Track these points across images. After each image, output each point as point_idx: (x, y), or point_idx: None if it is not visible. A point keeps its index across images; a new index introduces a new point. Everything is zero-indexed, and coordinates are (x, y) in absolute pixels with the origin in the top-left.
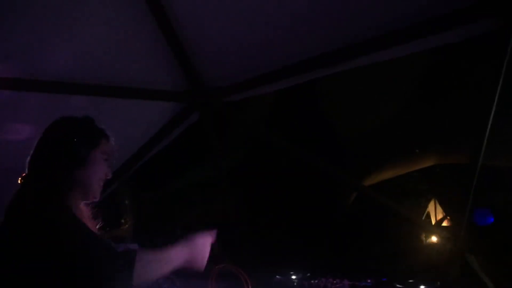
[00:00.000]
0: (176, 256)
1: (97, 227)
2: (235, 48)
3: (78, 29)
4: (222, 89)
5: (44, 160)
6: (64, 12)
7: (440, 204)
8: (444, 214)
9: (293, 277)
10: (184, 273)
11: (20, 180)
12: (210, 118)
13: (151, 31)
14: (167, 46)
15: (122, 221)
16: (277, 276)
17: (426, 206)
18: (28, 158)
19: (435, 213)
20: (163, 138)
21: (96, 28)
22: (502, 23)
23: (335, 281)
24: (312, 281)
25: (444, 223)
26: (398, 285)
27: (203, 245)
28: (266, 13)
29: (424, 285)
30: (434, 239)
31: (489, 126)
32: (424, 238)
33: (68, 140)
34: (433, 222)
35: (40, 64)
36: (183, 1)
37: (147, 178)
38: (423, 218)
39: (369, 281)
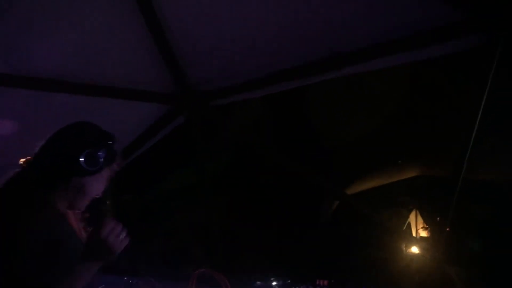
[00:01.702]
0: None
1: (82, 227)
2: (224, 52)
3: (67, 28)
4: (209, 92)
5: (60, 153)
6: (53, 12)
7: (421, 215)
8: (425, 225)
9: (274, 283)
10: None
11: (24, 163)
12: (196, 121)
13: (141, 33)
14: (155, 48)
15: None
16: (257, 282)
17: (407, 217)
18: (43, 143)
19: (416, 223)
20: (147, 139)
21: (85, 28)
22: (488, 39)
23: None
24: None
25: (425, 234)
26: None
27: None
28: (255, 20)
29: None
30: (414, 249)
31: (472, 139)
32: (404, 248)
33: (93, 146)
34: (414, 232)
35: (27, 61)
36: (173, 4)
37: (129, 179)
38: (404, 228)
39: None
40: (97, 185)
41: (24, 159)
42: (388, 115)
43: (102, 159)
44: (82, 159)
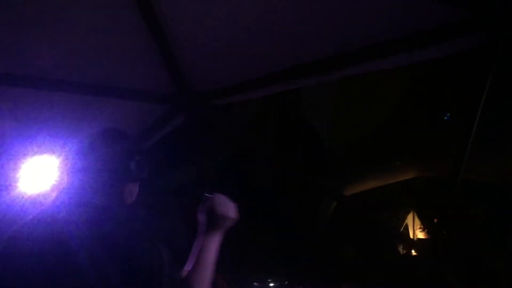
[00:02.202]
0: (207, 244)
1: None
2: (223, 52)
3: (65, 27)
4: (208, 92)
5: (110, 164)
6: (51, 10)
7: (419, 217)
8: (422, 226)
9: (271, 284)
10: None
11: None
12: (195, 121)
13: (140, 31)
14: (154, 47)
15: None
16: (255, 283)
17: (405, 218)
18: (77, 154)
19: (413, 225)
20: (146, 139)
21: (83, 27)
22: (488, 38)
23: None
24: None
25: (422, 235)
26: None
27: (218, 204)
28: (256, 18)
29: None
30: (412, 250)
31: (470, 140)
32: (401, 250)
33: (140, 154)
34: (411, 234)
35: (22, 59)
36: (173, 3)
37: None
38: (402, 229)
39: None
40: (136, 191)
41: (57, 183)
42: (386, 116)
43: (144, 165)
44: (133, 167)
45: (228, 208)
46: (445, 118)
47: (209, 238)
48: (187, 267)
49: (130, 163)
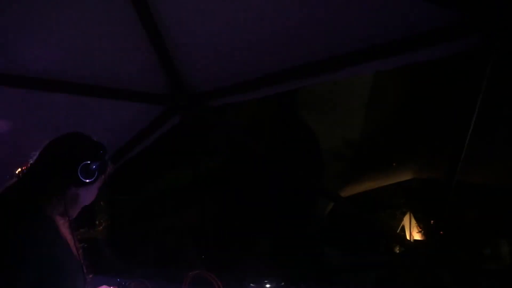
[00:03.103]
0: None
1: (73, 237)
2: (220, 53)
3: (61, 28)
4: (204, 93)
5: (53, 166)
6: (47, 10)
7: (415, 218)
8: (419, 228)
9: (267, 285)
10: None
11: (18, 173)
12: (191, 122)
13: (136, 32)
14: (151, 48)
15: (97, 222)
16: (251, 284)
17: (401, 219)
18: (37, 154)
19: (409, 226)
20: (142, 139)
21: (80, 27)
22: (483, 41)
23: None
24: None
25: (418, 237)
26: None
27: None
28: (252, 20)
29: None
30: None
31: (466, 142)
32: (398, 250)
33: (90, 157)
34: (408, 235)
35: (19, 60)
36: (169, 3)
37: (123, 180)
38: (398, 231)
39: None
40: (90, 195)
41: (19, 169)
42: (383, 118)
43: (96, 171)
44: (79, 171)
45: None
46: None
47: None
48: None
49: (76, 168)
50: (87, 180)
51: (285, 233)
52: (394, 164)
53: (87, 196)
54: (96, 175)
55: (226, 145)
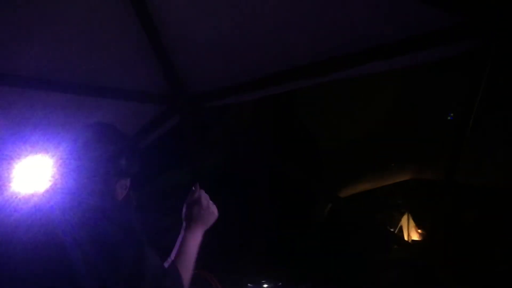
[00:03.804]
0: (190, 237)
1: None
2: (219, 53)
3: (59, 26)
4: (203, 94)
5: (103, 162)
6: (44, 9)
7: (413, 219)
8: (417, 228)
9: (265, 285)
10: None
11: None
12: (190, 122)
13: (135, 32)
14: (149, 48)
15: None
16: (249, 284)
17: (400, 220)
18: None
19: (408, 227)
20: (141, 140)
21: (77, 25)
22: (481, 43)
23: None
24: None
25: (416, 237)
26: None
27: (198, 201)
28: (252, 21)
29: None
30: (406, 253)
31: (464, 143)
32: (396, 252)
33: (129, 150)
34: (406, 236)
35: (15, 59)
36: (168, 3)
37: None
38: (396, 231)
39: None
40: (126, 188)
41: (51, 180)
42: (382, 118)
43: (137, 162)
44: (124, 163)
45: (211, 204)
46: (449, 118)
47: (191, 231)
48: (171, 257)
49: (121, 160)
50: (132, 170)
51: (284, 233)
52: (392, 164)
53: (127, 185)
54: (136, 163)
55: (225, 145)
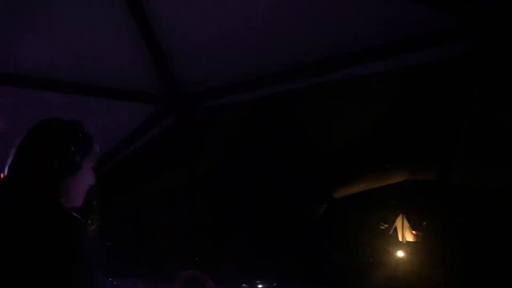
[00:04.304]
0: None
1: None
2: (215, 54)
3: (55, 26)
4: (199, 94)
5: (34, 165)
6: (40, 9)
7: (408, 220)
8: (412, 229)
9: (259, 286)
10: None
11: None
12: (185, 123)
13: (130, 32)
14: (145, 48)
15: (89, 222)
16: (244, 285)
17: (394, 221)
18: (10, 160)
19: (402, 228)
20: (135, 140)
21: (74, 25)
22: (477, 45)
23: None
24: None
25: (411, 238)
26: None
27: None
28: (247, 21)
29: None
30: (400, 254)
31: (459, 144)
32: (390, 252)
33: (63, 146)
34: (400, 237)
35: (13, 58)
36: (164, 3)
37: (117, 180)
38: (391, 232)
39: None
40: (86, 177)
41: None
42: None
43: (78, 156)
44: (57, 165)
45: None
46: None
47: None
48: None
49: (57, 160)
50: (71, 171)
51: (279, 234)
52: (387, 165)
53: (84, 179)
54: (78, 160)
55: (221, 145)
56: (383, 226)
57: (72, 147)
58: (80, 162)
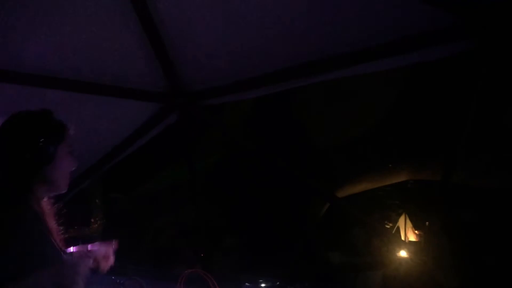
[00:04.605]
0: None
1: (59, 222)
2: (218, 52)
3: (58, 23)
4: (201, 92)
5: (7, 158)
6: (43, 7)
7: (410, 219)
8: (414, 229)
9: (262, 285)
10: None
11: None
12: (188, 121)
13: (134, 31)
14: (149, 46)
15: (92, 220)
16: (246, 284)
17: (397, 221)
18: None
19: (404, 227)
20: (138, 138)
21: (77, 23)
22: (477, 44)
23: None
24: None
25: (413, 238)
26: None
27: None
28: (250, 20)
29: None
30: (403, 253)
31: (461, 144)
32: (393, 252)
33: (34, 137)
34: (403, 236)
35: (15, 55)
36: (168, 3)
37: (119, 178)
38: (393, 232)
39: None
40: (64, 163)
41: None
42: (379, 119)
43: (50, 144)
44: (29, 156)
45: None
46: None
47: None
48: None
49: (32, 150)
50: (45, 159)
51: (281, 233)
52: (389, 165)
53: (63, 165)
54: (51, 148)
55: (222, 144)
56: (388, 225)
57: (42, 138)
58: (54, 150)
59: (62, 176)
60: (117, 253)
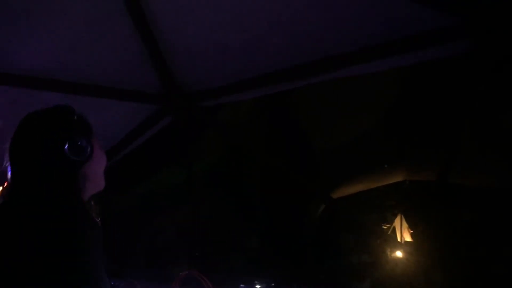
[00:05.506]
0: None
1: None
2: (213, 52)
3: (52, 24)
4: (197, 93)
5: (46, 163)
6: (38, 6)
7: (407, 220)
8: (410, 229)
9: (258, 286)
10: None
11: (5, 189)
12: (184, 122)
13: (128, 31)
14: (143, 47)
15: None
16: (241, 285)
17: (392, 221)
18: (11, 165)
19: (400, 228)
20: (134, 139)
21: (71, 24)
22: (476, 45)
23: None
24: None
25: (409, 238)
26: None
27: None
28: (246, 20)
29: None
30: (398, 254)
31: (458, 144)
32: (389, 253)
33: (68, 133)
34: (398, 237)
35: (9, 57)
36: (162, 3)
37: (115, 179)
38: (389, 232)
39: None
40: (100, 159)
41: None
42: (376, 120)
43: (86, 139)
44: (71, 156)
45: None
46: None
47: None
48: None
49: (63, 146)
50: (83, 157)
51: (277, 234)
52: (385, 165)
53: (102, 160)
54: (86, 145)
55: (220, 145)
56: (385, 226)
57: (77, 132)
58: (89, 145)
59: (100, 173)
60: (112, 255)
